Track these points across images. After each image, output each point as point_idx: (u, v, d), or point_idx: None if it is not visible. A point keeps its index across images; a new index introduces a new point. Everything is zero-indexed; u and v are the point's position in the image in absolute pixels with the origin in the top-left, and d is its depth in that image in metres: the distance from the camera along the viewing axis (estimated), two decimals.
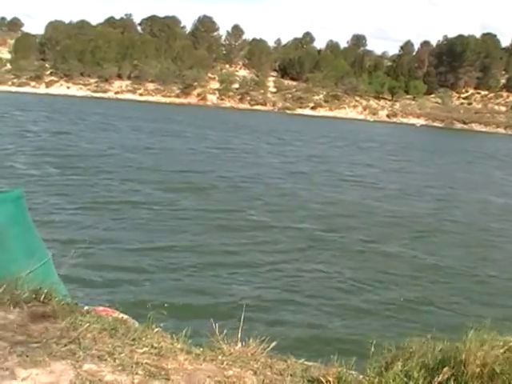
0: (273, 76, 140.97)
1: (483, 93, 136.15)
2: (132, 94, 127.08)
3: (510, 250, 18.14)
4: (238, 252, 14.40)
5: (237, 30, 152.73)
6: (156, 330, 3.56)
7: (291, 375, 3.18)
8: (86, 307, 3.96)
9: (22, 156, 27.28)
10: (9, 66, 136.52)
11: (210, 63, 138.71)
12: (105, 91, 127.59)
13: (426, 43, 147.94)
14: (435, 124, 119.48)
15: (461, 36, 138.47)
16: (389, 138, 68.46)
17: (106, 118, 57.84)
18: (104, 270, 12.14)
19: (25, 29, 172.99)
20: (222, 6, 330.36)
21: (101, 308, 4.70)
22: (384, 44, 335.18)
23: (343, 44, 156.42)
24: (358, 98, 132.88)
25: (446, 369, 3.72)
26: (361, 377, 3.58)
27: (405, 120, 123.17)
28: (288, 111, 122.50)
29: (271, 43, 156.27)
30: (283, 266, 13.80)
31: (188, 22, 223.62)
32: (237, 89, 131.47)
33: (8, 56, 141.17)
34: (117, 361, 2.94)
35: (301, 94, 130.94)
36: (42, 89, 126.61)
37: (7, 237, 5.01)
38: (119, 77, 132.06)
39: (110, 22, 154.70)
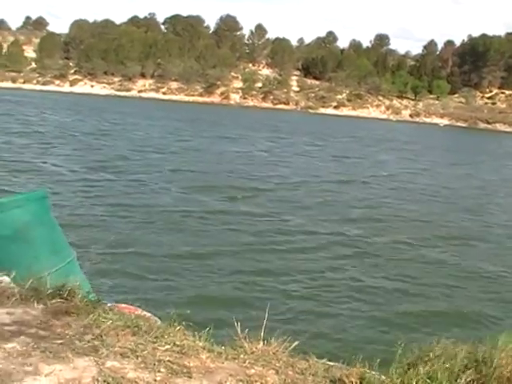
0: (296, 75, 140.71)
1: (507, 92, 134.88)
2: (155, 93, 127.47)
3: None
4: (268, 256, 14.32)
5: (260, 29, 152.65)
6: (178, 328, 3.57)
7: (313, 375, 3.17)
8: (109, 304, 3.98)
9: (56, 156, 27.31)
10: (34, 64, 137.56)
11: (233, 62, 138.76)
12: (128, 90, 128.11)
13: (449, 43, 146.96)
14: (459, 124, 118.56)
15: (484, 35, 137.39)
16: (415, 138, 67.90)
17: (141, 118, 57.64)
18: (128, 268, 12.17)
19: (50, 28, 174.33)
20: (245, 5, 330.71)
21: (123, 305, 4.72)
22: (407, 43, 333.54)
23: (366, 43, 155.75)
24: (380, 98, 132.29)
25: (469, 371, 3.70)
26: (383, 378, 3.56)
27: (428, 120, 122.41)
28: (311, 110, 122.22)
29: (294, 42, 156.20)
30: (311, 269, 13.70)
31: (211, 21, 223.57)
32: (260, 88, 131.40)
33: (33, 55, 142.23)
34: (139, 358, 2.95)
35: (323, 93, 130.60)
36: (66, 87, 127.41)
37: (32, 235, 5.05)
38: (142, 75, 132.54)
39: (134, 21, 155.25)
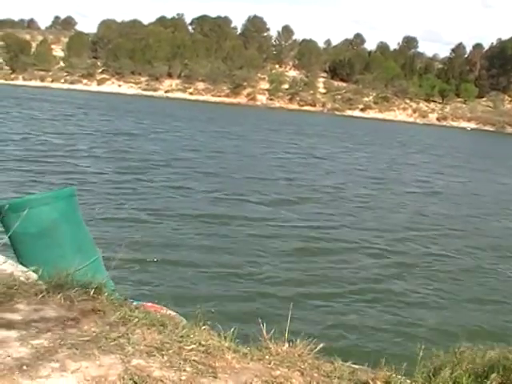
0: (322, 77, 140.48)
1: None
2: (182, 93, 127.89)
3: None
4: (299, 261, 14.24)
5: (287, 31, 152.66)
6: (203, 327, 3.57)
7: (338, 378, 3.15)
8: (134, 303, 3.99)
9: (91, 157, 27.40)
10: (62, 63, 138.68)
11: (260, 63, 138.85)
12: (155, 90, 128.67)
13: (478, 46, 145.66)
14: (486, 128, 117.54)
15: None
16: (447, 143, 66.97)
17: (175, 120, 57.61)
18: (153, 269, 12.20)
19: (78, 27, 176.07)
20: (272, 7, 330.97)
21: (149, 304, 4.73)
22: (435, 46, 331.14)
23: (394, 46, 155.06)
24: (407, 101, 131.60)
25: (493, 375, 3.66)
26: (408, 382, 3.54)
27: (455, 123, 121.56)
28: (337, 112, 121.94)
29: (321, 44, 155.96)
30: (341, 275, 13.60)
31: (238, 22, 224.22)
32: (286, 89, 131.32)
33: (61, 54, 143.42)
34: (165, 357, 2.95)
35: (350, 95, 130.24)
36: (93, 86, 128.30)
37: (59, 233, 5.08)
38: (169, 76, 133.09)
39: (162, 21, 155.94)
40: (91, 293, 3.75)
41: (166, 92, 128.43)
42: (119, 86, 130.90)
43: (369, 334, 10.27)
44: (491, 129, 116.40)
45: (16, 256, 5.08)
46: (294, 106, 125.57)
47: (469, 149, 62.46)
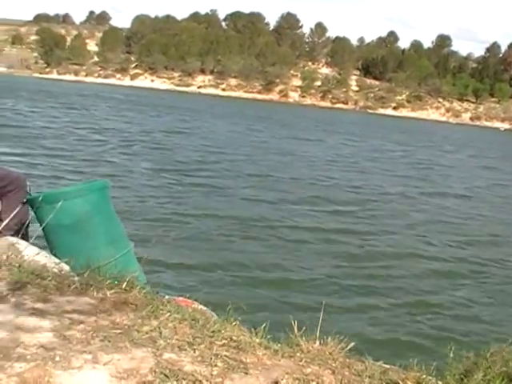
0: (355, 75, 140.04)
1: None
2: (214, 89, 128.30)
3: None
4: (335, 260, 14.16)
5: (320, 28, 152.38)
6: (234, 323, 3.56)
7: (369, 377, 3.12)
8: (166, 297, 4.00)
9: (129, 153, 27.41)
10: (96, 58, 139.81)
11: (292, 60, 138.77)
12: (188, 85, 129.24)
13: None
14: None
15: None
16: (484, 143, 65.93)
17: (210, 116, 57.25)
18: (185, 262, 12.25)
19: (112, 22, 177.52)
20: (306, 3, 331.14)
21: (180, 299, 4.74)
22: (469, 45, 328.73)
23: (427, 44, 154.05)
24: (440, 100, 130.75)
25: None
26: (440, 383, 3.50)
27: (488, 123, 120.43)
28: (369, 111, 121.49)
29: (354, 41, 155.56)
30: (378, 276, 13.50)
31: (272, 19, 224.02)
32: (319, 86, 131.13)
33: (95, 49, 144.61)
34: (196, 352, 2.95)
35: (383, 93, 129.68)
36: (126, 81, 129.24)
37: (91, 225, 5.11)
38: (202, 71, 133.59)
39: (195, 17, 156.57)
40: (123, 285, 3.76)
41: (199, 88, 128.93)
42: (152, 81, 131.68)
43: (399, 335, 10.22)
44: None
45: (49, 247, 5.12)
46: (326, 104, 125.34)
47: (504, 150, 61.60)
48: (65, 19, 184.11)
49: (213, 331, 3.27)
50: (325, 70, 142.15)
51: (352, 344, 3.57)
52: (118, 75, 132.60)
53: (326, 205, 20.04)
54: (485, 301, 12.66)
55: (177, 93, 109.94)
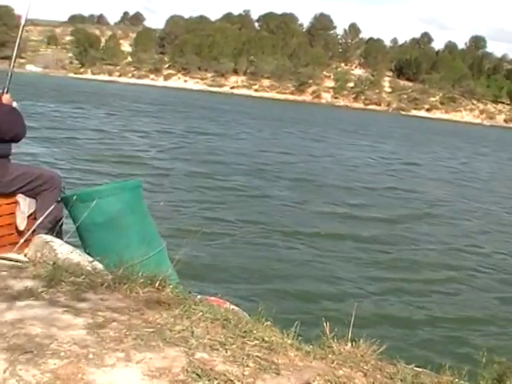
0: (388, 76, 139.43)
1: None
2: (247, 90, 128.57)
3: None
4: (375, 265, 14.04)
5: (354, 29, 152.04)
6: (266, 323, 3.55)
7: (401, 380, 3.10)
8: (198, 296, 4.01)
9: (173, 156, 27.34)
10: (129, 58, 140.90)
11: (325, 61, 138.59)
12: (221, 86, 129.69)
13: None
14: None
15: None
16: None
17: (248, 117, 57.07)
18: (217, 263, 12.26)
19: (146, 23, 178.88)
20: (339, 4, 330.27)
21: (212, 298, 4.74)
22: (504, 46, 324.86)
23: (462, 45, 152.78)
24: (474, 102, 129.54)
25: None
26: None
27: None
28: (402, 112, 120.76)
29: (387, 42, 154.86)
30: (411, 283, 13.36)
31: (305, 20, 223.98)
32: (351, 88, 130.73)
33: (129, 49, 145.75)
34: (228, 351, 2.95)
35: (416, 95, 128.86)
36: (159, 81, 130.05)
37: (124, 223, 5.14)
38: (235, 72, 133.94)
39: (228, 17, 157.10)
40: (156, 284, 3.78)
41: (232, 88, 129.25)
42: (185, 81, 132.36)
43: (432, 338, 10.15)
44: None
45: (82, 246, 5.16)
46: (359, 105, 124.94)
47: None
48: (99, 20, 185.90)
49: (245, 331, 3.27)
50: (358, 71, 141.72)
51: (384, 346, 3.55)
52: (152, 75, 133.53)
53: (366, 210, 19.82)
54: None
55: (209, 93, 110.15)
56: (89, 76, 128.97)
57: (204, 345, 2.99)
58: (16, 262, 4.25)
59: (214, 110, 64.70)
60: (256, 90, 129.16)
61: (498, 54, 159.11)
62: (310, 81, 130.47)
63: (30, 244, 4.79)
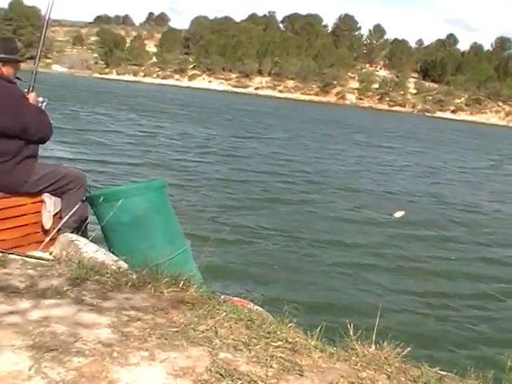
0: (413, 77, 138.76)
1: None
2: (271, 91, 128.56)
3: None
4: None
5: (378, 30, 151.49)
6: (290, 324, 3.55)
7: (425, 383, 3.09)
8: (222, 297, 4.01)
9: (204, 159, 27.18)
10: (154, 59, 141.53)
11: (350, 62, 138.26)
12: (245, 86, 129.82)
13: None
14: None
15: None
16: None
17: (282, 119, 56.78)
18: (240, 262, 12.28)
19: (171, 24, 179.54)
20: (364, 5, 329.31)
21: (236, 299, 4.75)
22: None
23: (487, 47, 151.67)
24: (500, 103, 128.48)
25: None
26: None
27: None
28: (427, 114, 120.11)
29: (412, 44, 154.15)
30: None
31: (329, 21, 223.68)
32: (376, 89, 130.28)
33: (154, 49, 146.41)
34: (252, 352, 2.95)
35: (441, 96, 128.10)
36: (184, 82, 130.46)
37: (149, 223, 5.16)
38: (259, 73, 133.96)
39: (253, 18, 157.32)
40: (180, 284, 3.79)
41: (256, 89, 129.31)
42: (209, 82, 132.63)
43: (457, 342, 10.08)
44: None
45: (107, 245, 5.18)
46: (384, 106, 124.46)
47: None
48: (124, 20, 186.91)
49: (268, 332, 3.27)
50: (382, 73, 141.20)
51: (408, 349, 3.53)
52: (177, 76, 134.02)
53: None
54: None
55: (234, 94, 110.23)
56: (114, 76, 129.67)
57: (228, 345, 3.00)
58: (41, 260, 4.28)
59: (244, 111, 64.35)
60: (280, 91, 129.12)
61: None
62: (335, 82, 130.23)
63: (56, 242, 4.83)
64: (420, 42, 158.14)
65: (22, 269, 4.01)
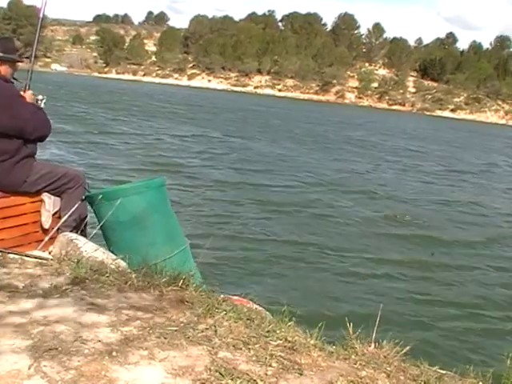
0: (412, 76, 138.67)
1: None
2: (271, 89, 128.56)
3: None
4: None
5: (378, 29, 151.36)
6: (289, 323, 3.55)
7: (425, 382, 3.08)
8: (221, 296, 4.01)
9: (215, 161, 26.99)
10: (154, 58, 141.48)
11: (349, 61, 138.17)
12: (244, 85, 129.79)
13: None
14: None
15: None
16: None
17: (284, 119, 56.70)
18: (240, 261, 12.29)
19: (170, 23, 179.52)
20: (363, 4, 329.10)
21: (235, 297, 4.74)
22: None
23: (487, 45, 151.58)
24: (500, 102, 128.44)
25: None
26: None
27: None
28: (427, 112, 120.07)
29: (412, 43, 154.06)
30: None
31: (329, 20, 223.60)
32: (376, 88, 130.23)
33: (153, 49, 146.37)
34: (251, 351, 2.95)
35: (441, 95, 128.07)
36: (184, 81, 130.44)
37: (149, 222, 5.16)
38: (259, 72, 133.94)
39: (253, 17, 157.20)
40: (180, 283, 3.79)
41: (255, 88, 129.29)
42: (209, 81, 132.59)
43: (456, 340, 10.09)
44: None
45: (106, 244, 5.18)
46: (383, 105, 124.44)
47: None
48: (124, 20, 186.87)
49: (268, 331, 3.27)
50: (382, 72, 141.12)
51: (407, 348, 3.53)
52: (176, 75, 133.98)
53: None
54: None
55: (233, 93, 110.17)
56: (113, 75, 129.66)
57: (227, 344, 3.00)
58: (41, 259, 4.28)
59: (249, 111, 64.05)
60: (280, 90, 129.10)
61: None
62: (334, 81, 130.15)
63: (55, 242, 4.83)
64: (419, 40, 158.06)
65: (21, 268, 4.02)
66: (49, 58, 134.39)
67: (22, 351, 2.69)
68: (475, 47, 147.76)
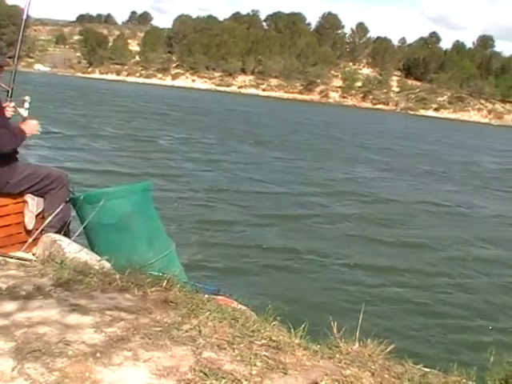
0: (396, 75, 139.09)
1: None
2: (255, 89, 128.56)
3: None
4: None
5: (361, 28, 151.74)
6: (274, 323, 3.56)
7: (409, 380, 3.10)
8: (206, 296, 4.01)
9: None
10: (137, 58, 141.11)
11: (333, 61, 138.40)
12: (228, 85, 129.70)
13: None
14: None
15: None
16: None
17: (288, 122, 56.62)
18: (224, 261, 12.30)
19: (154, 22, 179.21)
20: (346, 4, 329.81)
21: (220, 297, 4.75)
22: None
23: (470, 45, 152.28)
24: (483, 101, 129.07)
25: None
26: None
27: None
28: (410, 112, 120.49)
29: (395, 42, 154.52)
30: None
31: (313, 19, 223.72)
32: (359, 87, 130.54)
33: (137, 48, 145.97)
34: (236, 351, 2.95)
35: (424, 94, 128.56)
36: (168, 81, 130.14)
37: (133, 225, 5.15)
38: (243, 71, 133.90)
39: (237, 17, 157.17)
40: (164, 284, 3.79)
41: (239, 88, 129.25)
42: (193, 80, 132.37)
43: (440, 338, 10.14)
44: None
45: (90, 246, 5.17)
46: (367, 105, 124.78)
47: None
48: (107, 19, 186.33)
49: (252, 331, 3.27)
50: (366, 71, 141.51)
51: (392, 346, 3.54)
52: (160, 75, 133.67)
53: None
54: None
55: (217, 92, 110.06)
56: (96, 75, 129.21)
57: (211, 344, 3.00)
58: (24, 260, 4.26)
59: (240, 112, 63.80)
60: (264, 90, 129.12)
61: (507, 53, 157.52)
62: (318, 80, 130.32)
63: (39, 243, 4.81)
64: (403, 40, 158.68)
65: (4, 270, 4.00)
66: (32, 58, 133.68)
67: (5, 353, 2.67)
68: (458, 47, 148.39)
